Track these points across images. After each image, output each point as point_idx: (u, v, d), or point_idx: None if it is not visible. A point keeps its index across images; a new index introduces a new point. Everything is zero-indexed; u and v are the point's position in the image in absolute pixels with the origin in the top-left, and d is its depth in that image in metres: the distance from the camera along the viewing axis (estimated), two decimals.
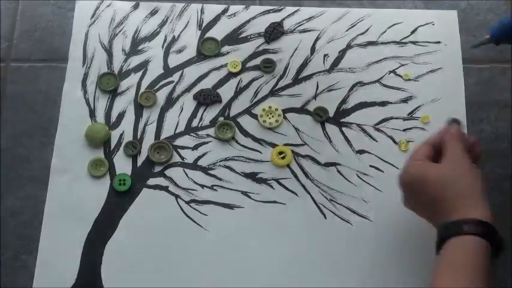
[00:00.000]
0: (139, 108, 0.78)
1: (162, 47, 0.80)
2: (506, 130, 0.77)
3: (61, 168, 0.74)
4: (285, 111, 0.77)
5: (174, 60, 0.80)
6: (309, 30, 0.81)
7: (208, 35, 0.81)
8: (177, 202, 0.73)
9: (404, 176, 0.62)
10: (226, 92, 0.78)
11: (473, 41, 0.61)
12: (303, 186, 0.74)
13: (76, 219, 0.72)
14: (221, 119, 0.77)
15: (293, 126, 0.77)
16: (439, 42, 0.81)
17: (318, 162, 0.75)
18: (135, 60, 0.80)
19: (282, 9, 0.82)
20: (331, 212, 0.73)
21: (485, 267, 0.54)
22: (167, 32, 0.81)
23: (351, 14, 0.82)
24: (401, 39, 0.81)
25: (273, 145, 0.76)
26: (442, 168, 0.60)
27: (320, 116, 0.77)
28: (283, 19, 0.82)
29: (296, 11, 0.82)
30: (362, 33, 0.81)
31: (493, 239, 0.55)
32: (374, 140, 0.76)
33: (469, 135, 0.64)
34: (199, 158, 0.75)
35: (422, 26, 0.81)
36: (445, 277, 0.54)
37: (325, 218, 0.73)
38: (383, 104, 0.77)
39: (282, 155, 0.75)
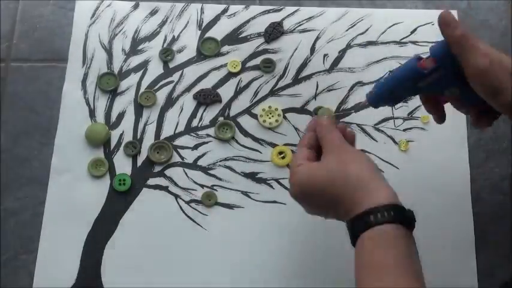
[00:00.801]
0: (139, 108, 0.78)
1: (162, 46, 0.80)
2: (506, 130, 0.77)
3: (61, 168, 0.74)
4: (285, 111, 0.77)
5: (174, 60, 0.80)
6: (309, 30, 0.81)
7: (208, 34, 0.81)
8: (177, 202, 0.73)
9: (293, 187, 0.57)
10: (226, 91, 0.78)
11: (356, 107, 0.62)
12: None
13: (76, 219, 0.72)
14: (221, 118, 0.77)
15: (293, 126, 0.77)
16: None
17: None
18: (135, 60, 0.80)
19: (281, 9, 0.82)
20: None
21: (404, 253, 0.50)
22: (167, 32, 0.81)
23: (350, 14, 0.82)
24: (401, 39, 0.81)
25: (273, 145, 0.76)
26: (325, 164, 0.56)
27: None
28: (283, 19, 0.82)
29: (296, 11, 0.82)
30: (362, 33, 0.81)
31: (402, 216, 0.51)
32: (374, 139, 0.76)
33: (339, 123, 0.61)
34: (199, 157, 0.75)
35: (422, 25, 0.81)
36: (367, 280, 0.51)
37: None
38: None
39: (282, 155, 0.75)
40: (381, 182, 0.53)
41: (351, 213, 0.52)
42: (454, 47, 0.53)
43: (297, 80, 0.79)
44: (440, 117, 0.62)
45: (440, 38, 0.55)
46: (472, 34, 0.53)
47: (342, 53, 0.80)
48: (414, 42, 0.80)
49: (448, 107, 0.77)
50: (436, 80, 0.55)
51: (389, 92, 0.58)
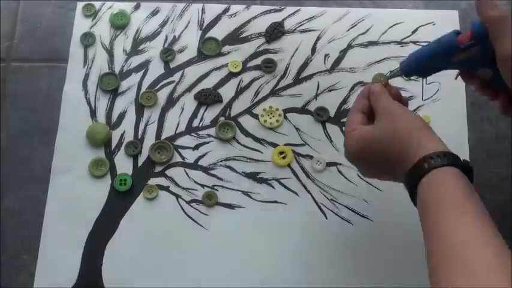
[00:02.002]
0: (140, 108, 0.78)
1: (163, 46, 0.80)
2: (506, 130, 0.77)
3: (62, 168, 0.74)
4: (285, 111, 0.77)
5: (174, 60, 0.80)
6: (310, 30, 0.81)
7: (209, 34, 0.81)
8: (178, 202, 0.73)
9: (349, 150, 0.59)
10: (227, 91, 0.78)
11: (389, 74, 0.63)
12: (304, 186, 0.74)
13: (77, 219, 0.72)
14: (222, 118, 0.77)
15: (294, 126, 0.77)
16: None
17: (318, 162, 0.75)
18: (136, 60, 0.80)
19: (282, 9, 0.82)
20: (332, 211, 0.73)
21: (467, 190, 0.50)
22: (168, 32, 0.81)
23: (351, 14, 0.82)
24: (402, 39, 0.81)
25: (274, 145, 0.76)
26: (378, 125, 0.57)
27: (321, 116, 0.77)
28: (284, 19, 0.82)
29: (297, 11, 0.82)
30: (363, 33, 0.81)
31: (458, 162, 0.52)
32: None
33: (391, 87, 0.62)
34: (200, 157, 0.75)
35: (423, 26, 0.81)
36: (433, 216, 0.49)
37: (326, 217, 0.73)
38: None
39: (282, 155, 0.75)
40: (432, 134, 0.55)
41: (406, 166, 0.53)
42: (489, 28, 0.53)
43: (297, 80, 0.79)
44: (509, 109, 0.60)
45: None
46: (509, 17, 0.52)
47: (343, 53, 0.80)
48: (415, 42, 0.80)
49: (445, 107, 0.77)
50: (471, 57, 0.55)
51: (423, 62, 0.58)
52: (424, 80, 0.62)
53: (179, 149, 0.76)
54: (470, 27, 0.54)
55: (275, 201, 0.73)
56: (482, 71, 0.56)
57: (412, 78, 0.79)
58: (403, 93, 0.78)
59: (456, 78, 0.62)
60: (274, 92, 0.79)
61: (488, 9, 0.53)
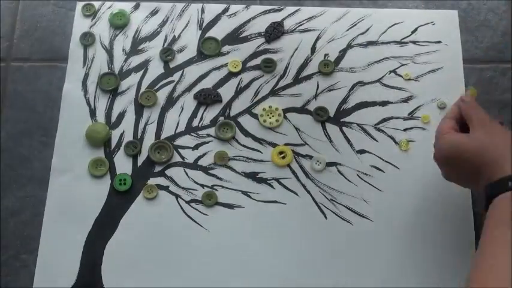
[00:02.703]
0: (139, 108, 0.78)
1: (163, 46, 0.80)
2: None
3: (61, 168, 0.74)
4: (285, 110, 0.77)
5: (174, 60, 0.80)
6: (310, 30, 0.81)
7: (208, 34, 0.81)
8: (178, 202, 0.73)
9: (439, 152, 0.64)
10: (226, 91, 0.78)
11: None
12: (304, 186, 0.74)
13: (76, 219, 0.72)
14: (221, 118, 0.77)
15: (293, 126, 0.77)
16: (439, 42, 0.81)
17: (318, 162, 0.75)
18: (135, 60, 0.80)
19: (282, 9, 0.82)
20: (332, 211, 0.73)
21: None
22: (168, 32, 0.81)
23: (351, 14, 0.82)
24: (401, 39, 0.81)
25: (274, 145, 0.76)
26: (475, 135, 0.61)
27: (320, 116, 0.77)
28: (284, 19, 0.82)
29: (296, 11, 0.82)
30: (362, 33, 0.81)
31: None
32: (374, 139, 0.76)
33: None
34: (199, 157, 0.75)
35: (422, 25, 0.81)
36: (495, 231, 0.54)
37: (326, 217, 0.73)
38: (383, 103, 0.77)
39: (282, 155, 0.75)
40: None
41: (491, 178, 0.57)
42: None
43: (297, 80, 0.79)
44: None
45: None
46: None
47: (343, 52, 0.80)
48: (415, 42, 0.80)
49: (449, 107, 0.77)
50: None
51: None
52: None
53: (179, 149, 0.76)
54: None
55: (275, 201, 0.73)
56: None
57: (412, 78, 0.79)
58: (403, 93, 0.78)
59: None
60: (273, 92, 0.79)
61: None
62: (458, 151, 0.61)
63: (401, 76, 0.79)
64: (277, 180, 0.74)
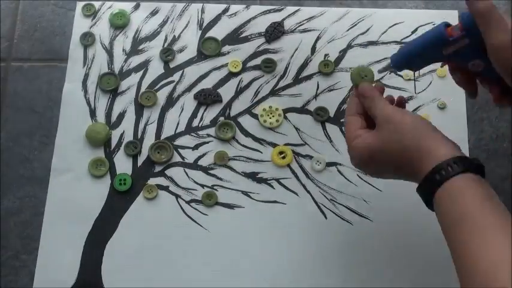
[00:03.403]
0: (139, 108, 0.78)
1: (163, 46, 0.80)
2: (506, 130, 0.77)
3: (61, 168, 0.74)
4: (285, 111, 0.77)
5: (174, 60, 0.80)
6: (310, 30, 0.81)
7: (208, 34, 0.81)
8: (178, 202, 0.73)
9: (354, 162, 0.59)
10: (226, 91, 0.78)
11: (381, 69, 0.63)
12: (304, 186, 0.74)
13: (76, 219, 0.72)
14: (221, 118, 0.77)
15: (293, 126, 0.77)
16: None
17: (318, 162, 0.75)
18: (135, 60, 0.80)
19: (282, 9, 0.82)
20: (332, 211, 0.73)
21: (483, 196, 0.49)
22: (168, 32, 0.81)
23: (351, 14, 0.82)
24: (402, 39, 0.81)
25: (274, 145, 0.76)
26: (382, 135, 0.56)
27: (321, 116, 0.77)
28: (284, 19, 0.82)
29: (297, 11, 0.82)
30: (363, 33, 0.81)
31: (469, 164, 0.51)
32: None
33: (380, 87, 0.61)
34: (199, 157, 0.75)
35: (422, 25, 0.81)
36: (455, 236, 0.49)
37: (326, 217, 0.73)
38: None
39: (282, 155, 0.75)
40: (440, 139, 0.54)
41: (417, 179, 0.53)
42: (478, 20, 0.52)
43: (297, 80, 0.79)
44: (471, 93, 0.60)
45: None
46: (497, 9, 0.52)
47: (343, 53, 0.80)
48: None
49: (449, 107, 0.77)
50: (461, 49, 0.55)
51: (413, 55, 0.58)
52: (416, 73, 0.62)
53: (179, 149, 0.76)
54: (459, 19, 0.54)
55: (275, 201, 0.73)
56: (473, 62, 0.56)
57: (412, 78, 0.79)
58: (403, 94, 0.78)
59: (442, 67, 0.62)
60: (274, 92, 0.79)
61: (477, 2, 0.52)
62: (371, 155, 0.56)
63: (401, 76, 0.79)
64: (277, 180, 0.74)
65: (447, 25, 0.56)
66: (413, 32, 0.81)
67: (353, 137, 0.58)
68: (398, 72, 0.79)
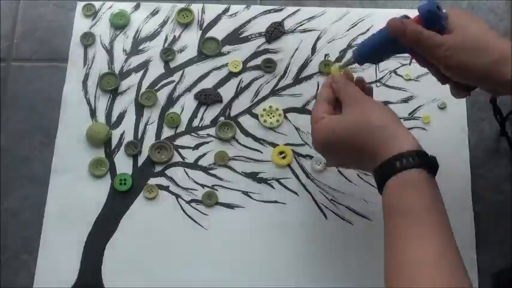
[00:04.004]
0: (140, 108, 0.78)
1: (163, 46, 0.80)
2: (506, 130, 0.77)
3: (62, 168, 0.74)
4: (285, 111, 0.77)
5: (174, 60, 0.80)
6: (310, 30, 0.81)
7: (209, 34, 0.81)
8: (178, 202, 0.73)
9: (314, 141, 0.60)
10: (227, 91, 0.78)
11: (344, 63, 0.64)
12: (304, 186, 0.74)
13: (77, 219, 0.72)
14: (222, 118, 0.77)
15: (294, 126, 0.77)
16: None
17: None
18: (135, 60, 0.80)
19: (282, 9, 0.82)
20: (332, 211, 0.73)
21: (431, 197, 0.51)
22: (168, 32, 0.81)
23: (351, 14, 0.82)
24: None
25: (274, 145, 0.76)
26: (347, 116, 0.57)
27: None
28: (284, 19, 0.82)
29: (297, 11, 0.82)
30: (363, 33, 0.81)
31: (427, 161, 0.52)
32: None
33: (356, 76, 0.63)
34: (200, 157, 0.75)
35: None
36: (393, 223, 0.52)
37: (326, 218, 0.73)
38: (384, 103, 0.77)
39: (282, 155, 0.75)
40: (404, 130, 0.55)
41: (377, 161, 0.53)
42: (415, 46, 0.55)
43: (297, 80, 0.79)
44: (441, 81, 0.61)
45: None
46: (420, 28, 0.54)
47: (343, 53, 0.80)
48: None
49: (445, 107, 0.77)
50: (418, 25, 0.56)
51: (373, 48, 0.60)
52: (377, 66, 0.64)
53: (179, 149, 0.76)
54: (418, 11, 0.56)
55: (275, 201, 0.73)
56: None
57: (412, 78, 0.79)
58: (403, 93, 0.78)
59: (410, 64, 0.63)
60: (274, 92, 0.79)
61: (404, 33, 0.55)
62: (333, 135, 0.57)
63: (402, 76, 0.79)
64: (278, 180, 0.74)
65: (406, 17, 0.58)
66: None
67: (317, 118, 0.59)
68: (399, 72, 0.79)
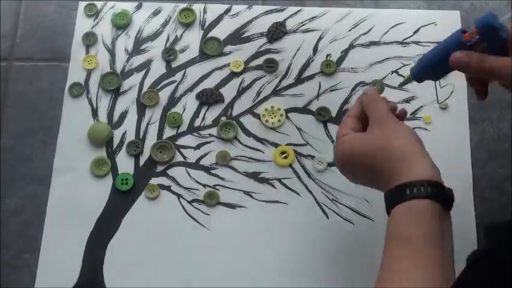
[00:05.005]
0: (141, 108, 0.78)
1: (165, 46, 0.80)
2: (508, 131, 0.77)
3: (63, 167, 0.75)
4: (287, 111, 0.77)
5: (176, 60, 0.80)
6: (312, 30, 0.81)
7: (210, 34, 0.81)
8: (179, 201, 0.73)
9: (335, 155, 0.59)
10: (228, 91, 0.78)
11: (400, 83, 0.64)
12: (305, 186, 0.74)
13: (78, 219, 0.72)
14: (223, 118, 0.77)
15: (295, 126, 0.77)
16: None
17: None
18: (137, 60, 0.80)
19: (284, 9, 0.82)
20: (333, 211, 0.73)
21: (435, 231, 0.49)
22: (170, 32, 0.81)
23: (353, 14, 0.82)
24: (403, 40, 0.81)
25: (275, 145, 0.76)
26: (369, 136, 0.56)
27: (322, 116, 0.77)
28: (286, 19, 0.82)
29: (299, 11, 0.82)
30: (364, 33, 0.81)
31: (441, 193, 0.50)
32: None
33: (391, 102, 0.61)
34: (201, 157, 0.75)
35: (424, 26, 0.81)
36: (393, 250, 0.50)
37: (327, 217, 0.73)
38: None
39: (284, 155, 0.75)
40: (424, 158, 0.53)
41: (389, 184, 0.52)
42: (481, 75, 0.55)
43: (299, 80, 0.79)
44: (482, 94, 0.61)
45: (446, 36, 0.56)
46: (482, 57, 0.53)
47: (345, 53, 0.80)
48: (417, 43, 0.80)
49: (451, 108, 0.77)
50: (479, 53, 0.55)
51: (432, 64, 0.58)
52: (437, 82, 0.62)
53: (181, 149, 0.76)
54: (475, 24, 0.55)
55: (276, 201, 0.73)
56: None
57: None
58: (405, 94, 0.78)
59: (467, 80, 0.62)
60: (276, 92, 0.79)
61: (469, 70, 0.54)
62: (352, 152, 0.56)
63: (403, 76, 0.79)
64: (279, 180, 0.74)
65: (464, 31, 0.56)
66: (415, 33, 0.81)
67: (342, 134, 0.58)
68: (401, 73, 0.79)
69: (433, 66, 0.58)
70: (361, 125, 0.59)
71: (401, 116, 0.61)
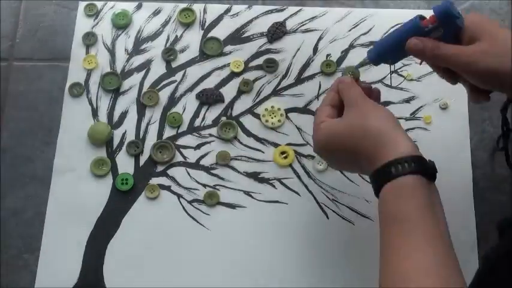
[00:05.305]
0: (141, 108, 0.78)
1: (165, 46, 0.80)
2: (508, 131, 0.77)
3: (63, 167, 0.75)
4: (287, 111, 0.77)
5: (176, 60, 0.80)
6: (312, 30, 0.81)
7: (210, 34, 0.81)
8: (180, 201, 0.73)
9: (314, 144, 0.60)
10: (228, 91, 0.78)
11: (358, 64, 0.65)
12: (305, 186, 0.74)
13: (78, 219, 0.72)
14: (223, 118, 0.77)
15: (295, 126, 0.77)
16: None
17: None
18: (137, 60, 0.80)
19: (284, 9, 0.82)
20: (334, 211, 0.73)
21: (425, 203, 0.50)
22: (170, 32, 0.81)
23: (353, 14, 0.82)
24: None
25: (276, 145, 0.76)
26: (347, 119, 0.57)
27: None
28: (286, 19, 0.82)
29: (299, 11, 0.82)
30: (364, 33, 0.81)
31: (424, 167, 0.51)
32: None
33: (363, 82, 0.63)
34: (201, 157, 0.75)
35: None
36: (388, 230, 0.51)
37: (328, 217, 0.73)
38: (385, 104, 0.77)
39: (284, 155, 0.75)
40: (402, 135, 0.54)
41: (373, 166, 0.53)
42: (438, 63, 0.57)
43: (299, 80, 0.79)
44: (451, 81, 0.62)
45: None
46: (437, 44, 0.56)
47: (345, 53, 0.80)
48: None
49: (451, 108, 0.77)
50: (436, 39, 0.57)
51: (389, 48, 0.59)
52: (392, 66, 0.63)
53: (181, 149, 0.76)
54: (433, 11, 0.56)
55: (276, 201, 0.73)
56: None
57: (414, 78, 0.79)
58: (405, 94, 0.78)
59: (421, 64, 0.63)
60: (276, 92, 0.79)
61: (425, 58, 0.58)
62: (332, 137, 0.57)
63: (404, 76, 0.79)
64: (279, 180, 0.74)
65: (422, 17, 0.58)
66: None
67: (319, 121, 0.59)
68: (401, 73, 0.79)
69: (389, 50, 0.60)
70: (337, 112, 0.60)
71: (376, 97, 0.62)
